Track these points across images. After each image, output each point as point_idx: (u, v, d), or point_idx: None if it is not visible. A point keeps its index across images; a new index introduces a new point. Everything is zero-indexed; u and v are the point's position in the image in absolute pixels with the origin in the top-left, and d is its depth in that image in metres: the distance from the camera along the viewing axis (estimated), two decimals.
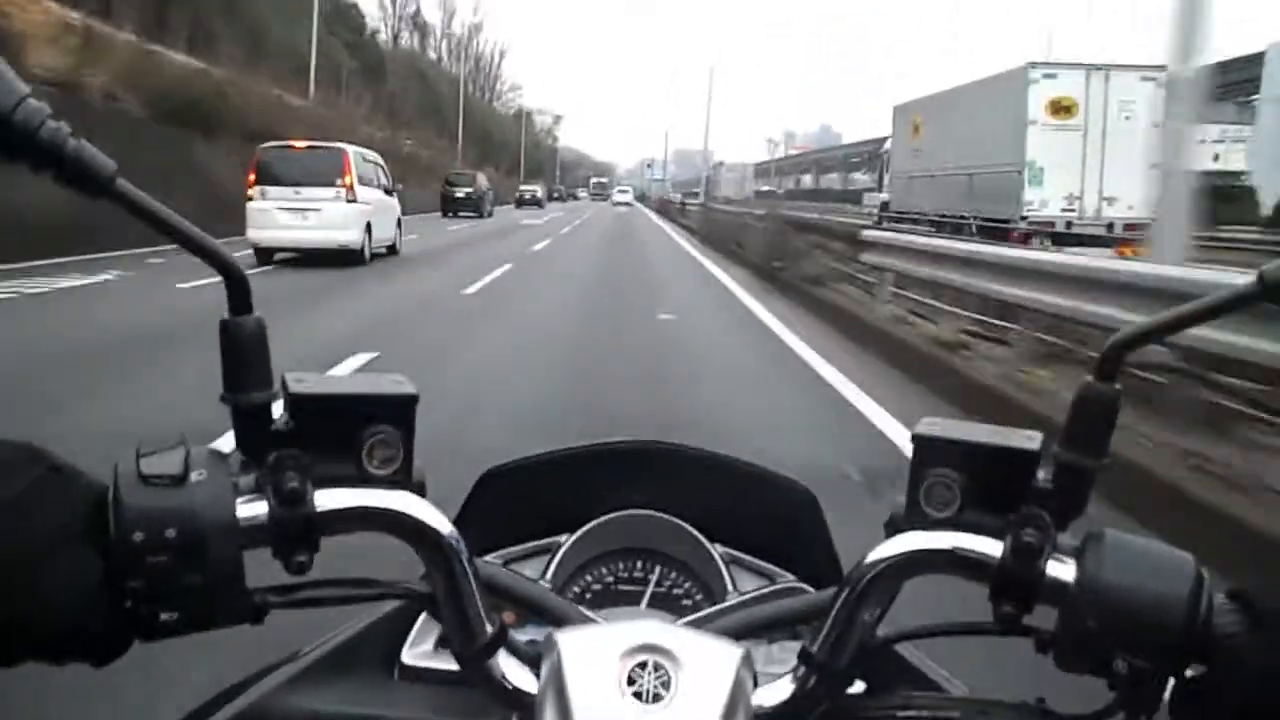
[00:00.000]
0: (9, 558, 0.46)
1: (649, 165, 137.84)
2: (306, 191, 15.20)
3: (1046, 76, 19.10)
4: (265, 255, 15.20)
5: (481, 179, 41.60)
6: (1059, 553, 0.51)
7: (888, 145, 30.63)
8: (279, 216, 15.18)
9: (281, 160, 15.76)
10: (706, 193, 57.47)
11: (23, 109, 0.45)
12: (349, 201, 15.52)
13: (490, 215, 39.87)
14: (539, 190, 61.92)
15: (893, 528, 0.54)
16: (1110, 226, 18.66)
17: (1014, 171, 19.34)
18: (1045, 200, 19.13)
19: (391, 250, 17.58)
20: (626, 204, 72.36)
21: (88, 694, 2.19)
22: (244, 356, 0.51)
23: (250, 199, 15.32)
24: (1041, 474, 0.53)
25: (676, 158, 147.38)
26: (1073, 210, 19.12)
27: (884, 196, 29.68)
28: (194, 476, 0.48)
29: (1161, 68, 19.41)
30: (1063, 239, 17.05)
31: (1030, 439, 0.53)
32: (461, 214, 37.65)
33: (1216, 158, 33.58)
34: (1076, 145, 18.97)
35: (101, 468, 0.50)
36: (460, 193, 39.02)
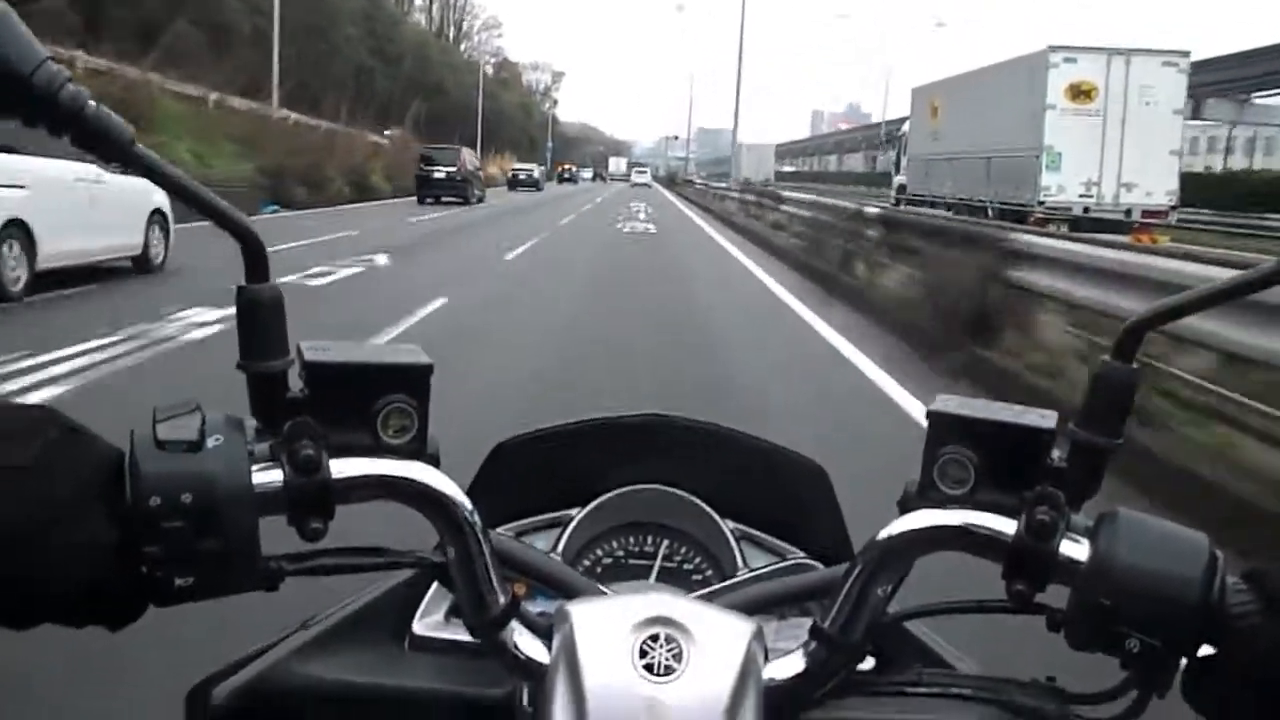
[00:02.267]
0: (26, 522, 0.46)
1: (674, 139, 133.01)
2: None
3: (1067, 60, 18.95)
4: None
5: (468, 155, 32.50)
6: (1073, 532, 0.51)
7: (905, 128, 30.40)
8: None
9: None
10: (731, 174, 56.27)
11: (43, 71, 0.45)
12: None
13: (481, 200, 32.13)
14: (535, 170, 56.14)
15: (906, 504, 0.54)
16: (1128, 213, 18.53)
17: (1032, 156, 19.24)
18: (1063, 185, 19.03)
19: (141, 265, 10.35)
20: (645, 184, 72.00)
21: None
22: (260, 324, 0.52)
23: None
24: (1056, 453, 0.53)
25: (699, 137, 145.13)
26: (1090, 196, 19.02)
27: (901, 179, 29.50)
28: (210, 442, 0.48)
29: (1185, 53, 19.41)
30: (1080, 224, 16.94)
31: (1045, 417, 0.53)
32: (445, 199, 29.58)
33: None
34: (1096, 130, 18.85)
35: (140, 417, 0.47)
36: (439, 173, 29.75)
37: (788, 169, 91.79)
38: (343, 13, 44.65)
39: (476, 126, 59.90)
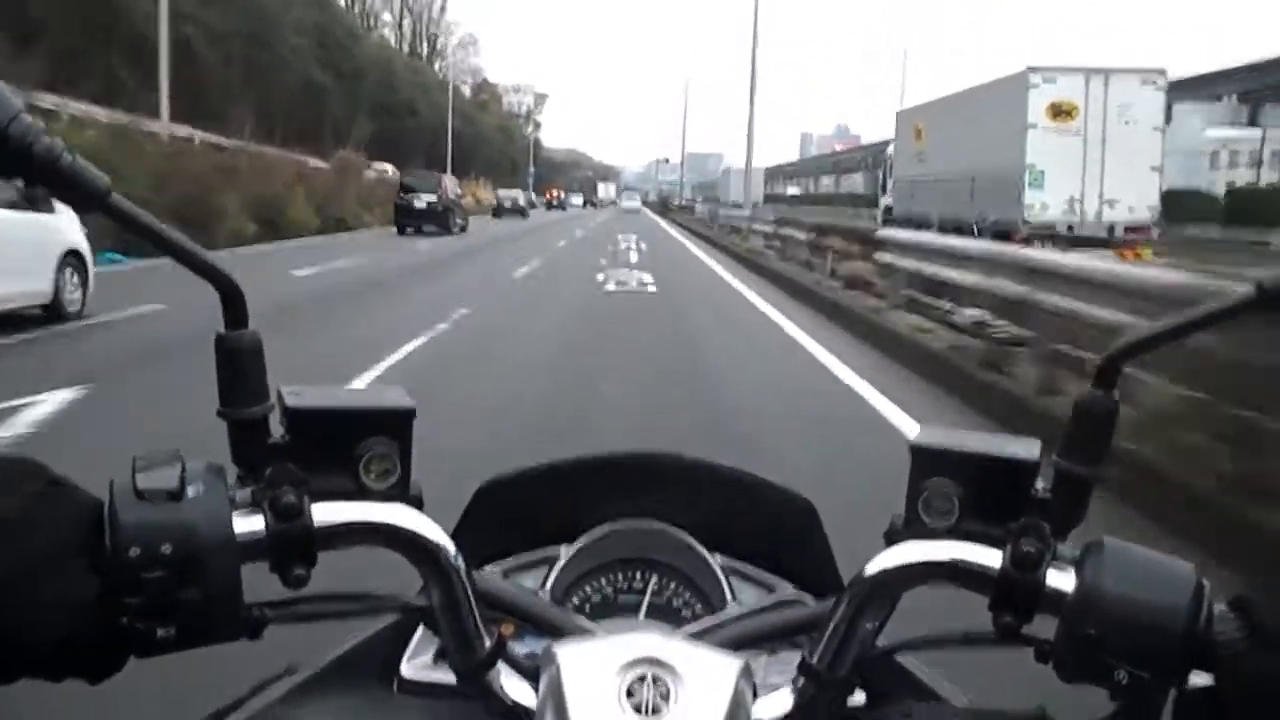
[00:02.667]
0: (6, 574, 0.45)
1: (664, 161, 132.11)
2: None
3: (1046, 81, 19.22)
4: None
5: (449, 183, 31.60)
6: (1059, 562, 0.51)
7: (890, 150, 30.75)
8: None
9: None
10: (718, 199, 55.00)
11: (16, 125, 0.45)
12: None
13: (463, 229, 30.72)
14: (520, 197, 54.88)
15: (892, 537, 0.54)
16: (1111, 229, 18.79)
17: (1015, 175, 19.47)
18: (1046, 204, 19.25)
19: (54, 312, 8.99)
20: (634, 209, 72.01)
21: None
22: (240, 371, 0.51)
23: None
24: (1040, 483, 0.53)
25: (688, 161, 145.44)
26: (1074, 214, 19.22)
27: (888, 201, 29.79)
28: (190, 491, 0.48)
29: (1161, 70, 19.75)
30: (1063, 242, 17.17)
31: (1029, 448, 0.53)
32: (425, 229, 28.34)
33: None
34: (1077, 149, 19.09)
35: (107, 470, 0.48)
36: (420, 202, 28.88)
37: (793, 190, 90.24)
38: (286, 22, 39.64)
39: (447, 149, 55.53)
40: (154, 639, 0.48)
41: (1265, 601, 0.50)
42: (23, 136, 0.45)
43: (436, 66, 73.53)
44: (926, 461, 0.53)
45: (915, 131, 26.27)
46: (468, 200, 41.21)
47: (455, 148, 58.38)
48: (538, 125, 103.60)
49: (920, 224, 23.63)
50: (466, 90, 76.20)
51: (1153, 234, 19.43)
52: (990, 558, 0.51)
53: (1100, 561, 0.50)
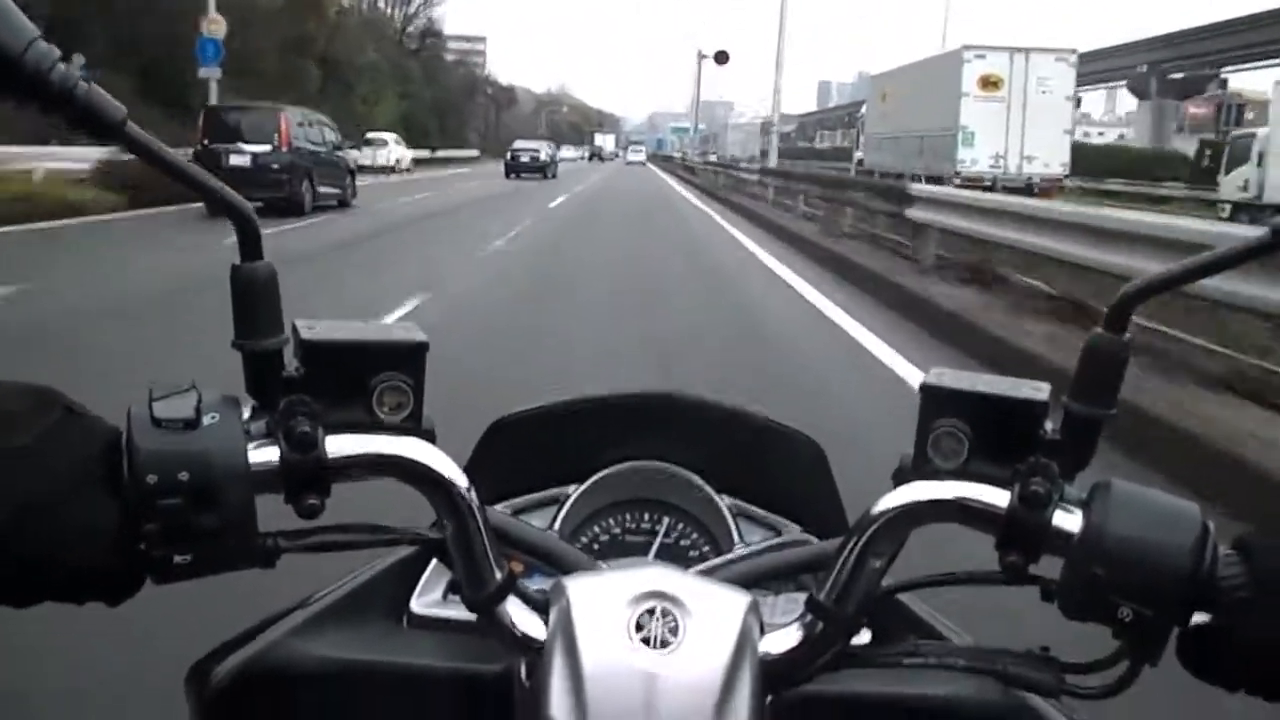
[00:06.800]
0: (26, 502, 0.46)
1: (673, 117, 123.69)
2: None
3: (978, 57, 23.51)
4: None
5: (289, 121, 16.86)
6: (1066, 503, 0.51)
7: (864, 110, 35.01)
8: None
9: None
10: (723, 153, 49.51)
11: (33, 51, 0.44)
12: None
13: (345, 202, 18.92)
14: (542, 150, 41.16)
15: (900, 477, 0.54)
16: (1030, 180, 23.11)
17: (951, 135, 23.76)
18: (975, 159, 23.58)
19: None
20: (640, 162, 73.96)
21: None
22: (255, 302, 0.51)
23: None
24: (1049, 424, 0.53)
25: (692, 110, 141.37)
26: (998, 167, 23.53)
27: (859, 155, 34.13)
28: (206, 420, 0.48)
29: (1072, 50, 23.93)
30: (990, 190, 21.48)
31: (1038, 389, 0.53)
32: (256, 198, 13.15)
33: None
34: (1001, 114, 23.42)
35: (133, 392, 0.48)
36: (240, 157, 15.80)
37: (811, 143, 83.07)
38: None
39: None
40: (170, 565, 0.49)
41: (1269, 544, 0.51)
42: (39, 63, 0.44)
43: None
44: (936, 402, 0.53)
45: (881, 95, 30.58)
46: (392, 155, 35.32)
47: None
48: (480, 67, 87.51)
49: (885, 175, 27.97)
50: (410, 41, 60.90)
51: (1065, 184, 23.78)
52: (998, 497, 0.52)
53: (1107, 502, 0.50)
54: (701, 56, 46.82)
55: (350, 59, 45.15)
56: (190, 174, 0.50)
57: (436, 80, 63.90)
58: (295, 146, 16.76)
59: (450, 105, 65.74)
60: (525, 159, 39.64)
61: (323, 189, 17.69)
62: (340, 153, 19.41)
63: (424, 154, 46.98)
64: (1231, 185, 23.90)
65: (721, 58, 44.65)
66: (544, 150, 41.42)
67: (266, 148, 16.17)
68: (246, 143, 16.10)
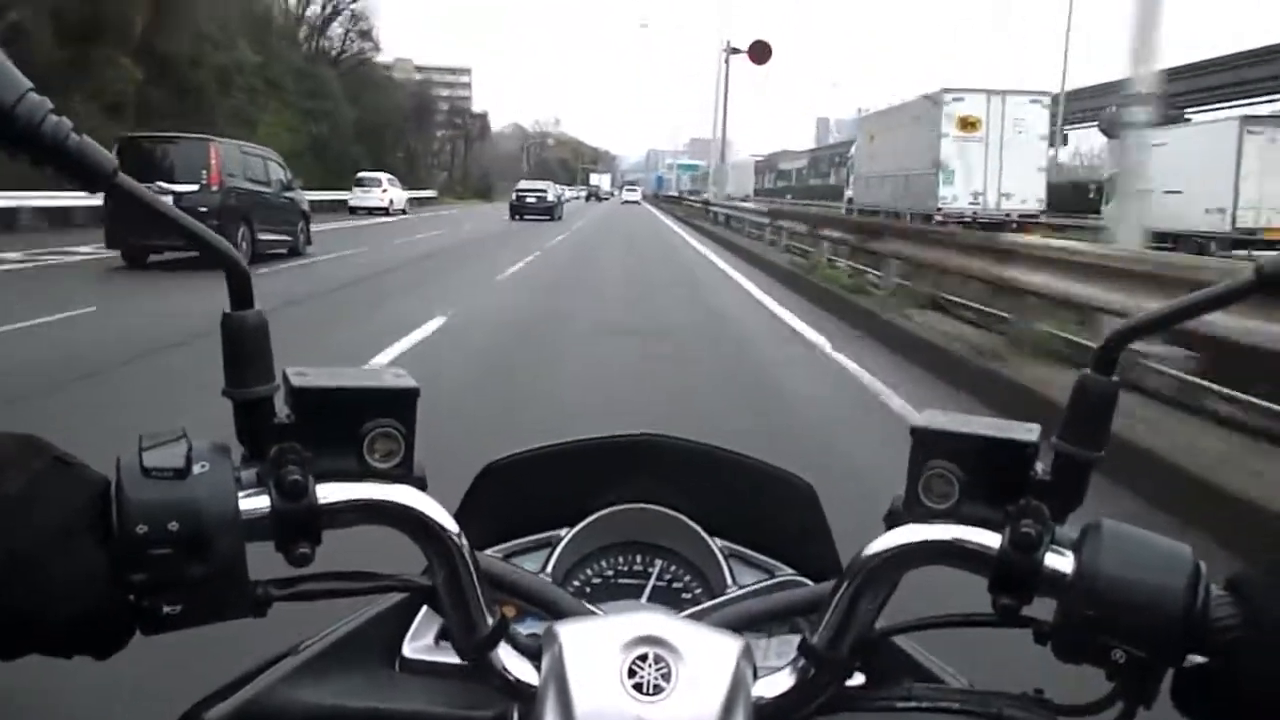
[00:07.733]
0: (13, 552, 0.46)
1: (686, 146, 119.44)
2: None
3: (956, 99, 24.82)
4: None
5: (219, 155, 14.48)
6: (1057, 544, 0.51)
7: (853, 150, 36.38)
8: None
9: None
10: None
11: (25, 103, 0.45)
12: None
13: (296, 250, 17.03)
14: (550, 191, 41.32)
15: (892, 520, 0.54)
16: (1008, 216, 24.26)
17: (932, 174, 24.96)
18: (956, 196, 24.81)
19: None
20: (635, 201, 75.18)
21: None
22: (246, 350, 0.52)
23: None
24: (1040, 466, 0.53)
25: (691, 148, 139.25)
26: (977, 204, 24.72)
27: (850, 193, 35.38)
28: (196, 469, 0.48)
29: (1046, 92, 25.16)
30: (970, 227, 22.59)
31: (1029, 431, 0.54)
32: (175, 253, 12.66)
33: None
34: (980, 153, 24.73)
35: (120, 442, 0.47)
36: (170, 194, 12.13)
37: (781, 184, 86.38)
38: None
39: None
40: (160, 616, 0.48)
41: (1260, 584, 0.51)
42: (31, 115, 0.45)
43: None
44: (927, 444, 0.54)
45: (869, 136, 31.92)
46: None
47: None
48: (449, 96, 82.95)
49: (874, 213, 29.19)
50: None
51: (1041, 219, 24.94)
52: (989, 539, 0.52)
53: (1099, 543, 0.50)
54: (733, 51, 39.75)
55: (201, 56, 32.99)
56: (182, 223, 0.50)
57: (365, 98, 51.09)
58: (228, 186, 14.48)
59: (388, 131, 54.13)
60: (531, 199, 39.28)
61: (265, 235, 15.44)
62: (290, 193, 17.09)
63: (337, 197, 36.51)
64: (1108, 215, 25.09)
65: (762, 52, 37.80)
66: (550, 191, 41.07)
67: (193, 187, 13.85)
68: (169, 181, 13.56)
